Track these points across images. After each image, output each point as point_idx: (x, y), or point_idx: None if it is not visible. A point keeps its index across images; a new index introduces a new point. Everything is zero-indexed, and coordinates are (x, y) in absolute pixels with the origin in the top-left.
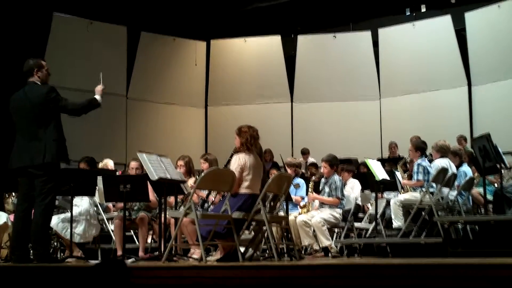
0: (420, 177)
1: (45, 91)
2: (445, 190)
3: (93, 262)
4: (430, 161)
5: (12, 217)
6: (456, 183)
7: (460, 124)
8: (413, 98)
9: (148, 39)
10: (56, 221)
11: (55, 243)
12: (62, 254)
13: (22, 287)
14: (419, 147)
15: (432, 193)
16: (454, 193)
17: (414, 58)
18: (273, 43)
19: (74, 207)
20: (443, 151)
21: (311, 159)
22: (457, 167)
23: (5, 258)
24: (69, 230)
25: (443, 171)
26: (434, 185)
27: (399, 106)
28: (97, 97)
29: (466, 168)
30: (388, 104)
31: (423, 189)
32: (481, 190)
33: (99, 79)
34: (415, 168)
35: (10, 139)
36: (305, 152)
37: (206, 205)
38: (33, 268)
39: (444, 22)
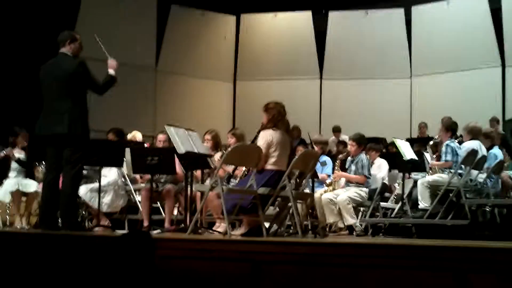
0: (449, 158)
1: (75, 64)
2: (474, 172)
3: (120, 231)
4: (461, 142)
5: (41, 185)
6: (485, 165)
7: (492, 105)
8: (445, 77)
9: (178, 12)
10: (84, 190)
11: (83, 212)
12: (90, 223)
13: (51, 254)
14: (450, 127)
15: (460, 174)
16: (483, 175)
17: (447, 37)
18: (303, 18)
19: (102, 178)
20: (474, 133)
21: (343, 137)
22: (488, 149)
23: (35, 226)
24: (97, 199)
25: (473, 153)
26: (463, 167)
27: (430, 85)
28: (111, 72)
29: (496, 151)
30: (419, 84)
31: (452, 171)
32: (511, 173)
33: (98, 42)
34: (443, 149)
35: (39, 107)
36: (336, 130)
37: (232, 180)
38: (61, 235)
39: (480, 1)
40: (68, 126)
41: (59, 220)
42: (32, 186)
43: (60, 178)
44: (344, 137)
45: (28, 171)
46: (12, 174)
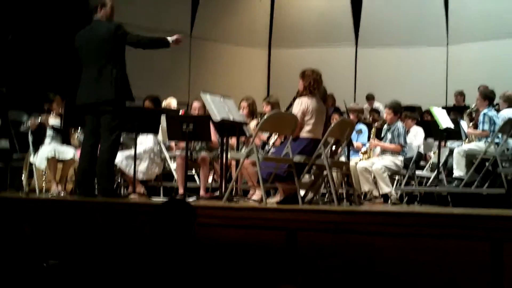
0: (486, 127)
1: (113, 27)
2: (511, 141)
3: (155, 199)
4: (498, 111)
5: (78, 152)
6: None
7: None
8: (482, 45)
9: None
10: (120, 158)
11: (119, 180)
12: (125, 190)
13: (87, 221)
14: (487, 96)
15: (497, 143)
16: None
17: (484, 5)
18: None
19: (138, 145)
20: (511, 101)
21: (376, 105)
22: None
23: (71, 192)
24: (132, 167)
25: (510, 122)
26: (500, 135)
27: (467, 53)
28: (170, 39)
29: None
30: (456, 51)
31: (488, 140)
32: None
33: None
34: (480, 117)
35: (75, 74)
36: (370, 98)
37: (267, 147)
38: (97, 202)
39: None
40: (109, 92)
41: (96, 187)
42: (69, 153)
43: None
44: (377, 104)
45: (64, 138)
46: (47, 140)
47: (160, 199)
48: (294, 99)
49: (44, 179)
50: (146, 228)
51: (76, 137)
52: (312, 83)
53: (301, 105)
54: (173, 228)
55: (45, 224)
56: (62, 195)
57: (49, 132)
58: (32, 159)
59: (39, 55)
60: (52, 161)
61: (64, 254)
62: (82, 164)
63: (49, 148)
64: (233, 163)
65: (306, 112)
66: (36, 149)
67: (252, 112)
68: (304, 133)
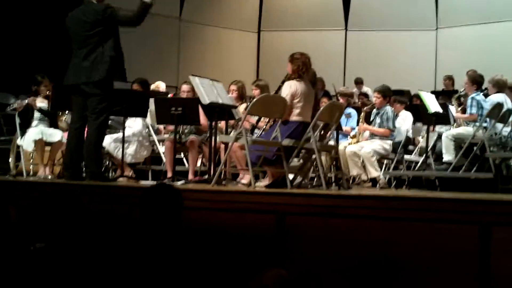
0: (474, 111)
1: (102, 7)
2: (499, 125)
3: (143, 182)
4: (486, 95)
5: (66, 135)
6: (511, 119)
7: None
8: (471, 29)
9: None
10: (108, 140)
11: (107, 162)
12: (113, 173)
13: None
14: (476, 80)
15: (485, 128)
16: (508, 129)
17: None
18: None
19: (127, 128)
20: (500, 86)
21: (365, 89)
22: None
23: (58, 175)
24: (121, 150)
25: (498, 106)
26: (488, 120)
27: (456, 37)
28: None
29: None
30: (445, 35)
31: (477, 124)
32: None
33: None
34: (468, 101)
35: (65, 58)
36: (358, 82)
37: (256, 131)
38: (85, 185)
39: None
40: (96, 73)
41: (83, 170)
42: (56, 135)
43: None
44: (366, 89)
45: (51, 121)
46: (34, 123)
47: (148, 182)
48: (283, 82)
49: (31, 161)
50: (134, 211)
51: (64, 119)
52: (301, 67)
53: (290, 88)
54: (160, 212)
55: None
56: (49, 178)
57: (36, 115)
58: (19, 141)
59: (27, 36)
60: (40, 144)
61: (51, 238)
62: (69, 147)
63: (36, 130)
64: (222, 146)
65: (295, 95)
66: (23, 132)
67: (241, 96)
68: (293, 116)
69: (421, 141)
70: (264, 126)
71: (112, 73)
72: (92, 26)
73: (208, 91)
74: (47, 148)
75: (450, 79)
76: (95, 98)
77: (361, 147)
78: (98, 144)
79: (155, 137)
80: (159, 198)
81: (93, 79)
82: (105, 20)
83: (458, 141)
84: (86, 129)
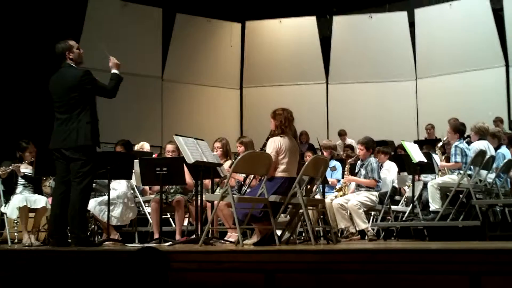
0: (458, 159)
1: (80, 74)
2: (483, 172)
3: (130, 245)
4: (469, 143)
5: (50, 200)
6: (494, 165)
7: (497, 105)
8: (450, 79)
9: (183, 21)
10: (93, 204)
11: (93, 226)
12: (99, 237)
13: (60, 271)
14: (458, 129)
15: (470, 175)
16: (492, 175)
17: (451, 39)
18: (308, 24)
19: (111, 190)
20: (482, 133)
21: (349, 141)
22: (496, 149)
23: (43, 242)
24: (106, 213)
25: (482, 153)
26: (472, 167)
27: (435, 87)
28: (115, 71)
29: (504, 150)
30: (425, 85)
31: (461, 172)
32: None
33: (103, 50)
34: (452, 150)
35: (50, 123)
36: (342, 134)
37: (243, 188)
38: (71, 252)
39: (482, 2)
40: (76, 138)
41: (69, 236)
42: (40, 201)
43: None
44: (350, 140)
45: (35, 186)
46: (19, 189)
47: (135, 245)
48: (267, 139)
49: (15, 229)
50: (121, 276)
51: (48, 184)
52: (284, 122)
53: (274, 144)
54: (146, 276)
55: (17, 275)
56: (35, 245)
57: (20, 181)
58: (3, 209)
59: (11, 102)
60: (24, 211)
61: None
62: (53, 213)
63: (20, 197)
64: (209, 205)
65: (280, 151)
66: (7, 199)
67: (226, 153)
68: (279, 172)
69: (407, 191)
70: (249, 183)
71: (93, 137)
72: (69, 91)
73: (193, 150)
74: (32, 215)
75: (432, 127)
76: (77, 163)
77: (347, 200)
78: (82, 209)
79: (140, 198)
80: (145, 261)
81: (74, 144)
82: (81, 86)
83: (443, 190)
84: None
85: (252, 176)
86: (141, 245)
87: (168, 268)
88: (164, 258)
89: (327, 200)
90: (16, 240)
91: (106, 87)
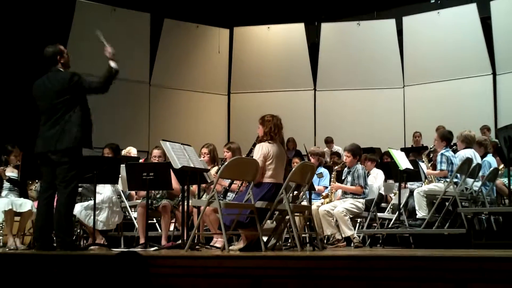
0: (444, 167)
1: (69, 76)
2: (469, 180)
3: (116, 250)
4: (455, 151)
5: (36, 204)
6: (480, 173)
7: (484, 113)
8: (437, 86)
9: (171, 26)
10: (79, 208)
11: (79, 231)
12: (85, 242)
13: (45, 275)
14: (445, 137)
15: (456, 183)
16: (478, 183)
17: (439, 46)
18: (296, 30)
19: (97, 195)
20: (468, 141)
21: (335, 148)
22: (482, 157)
23: (29, 245)
24: (92, 217)
25: (468, 161)
26: (458, 175)
27: (423, 94)
28: (112, 64)
29: (490, 159)
30: (412, 93)
31: (447, 180)
32: (505, 180)
33: (99, 37)
34: (438, 158)
35: (36, 127)
36: (328, 141)
37: (229, 194)
38: (56, 256)
39: (469, 10)
40: (64, 141)
41: (54, 240)
42: (26, 205)
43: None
44: (337, 147)
45: (21, 190)
46: (4, 193)
47: (120, 249)
48: (254, 145)
49: (1, 232)
50: (105, 280)
51: (33, 188)
52: (273, 128)
53: (262, 150)
54: (126, 280)
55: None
56: (20, 248)
57: (5, 185)
58: None
59: None
60: (9, 214)
61: None
62: (39, 217)
63: (6, 201)
64: (195, 210)
65: (267, 157)
66: None
67: (213, 159)
68: (266, 178)
69: (394, 198)
70: (238, 189)
71: (81, 141)
72: (58, 95)
73: (179, 155)
74: (17, 218)
75: (419, 135)
76: (64, 167)
77: (334, 207)
78: (68, 213)
79: (126, 203)
80: (124, 266)
81: (60, 147)
82: (72, 88)
83: (430, 197)
84: (55, 198)
85: (240, 182)
86: (127, 249)
87: (148, 273)
88: (143, 263)
89: (314, 207)
90: (1, 243)
91: (96, 82)
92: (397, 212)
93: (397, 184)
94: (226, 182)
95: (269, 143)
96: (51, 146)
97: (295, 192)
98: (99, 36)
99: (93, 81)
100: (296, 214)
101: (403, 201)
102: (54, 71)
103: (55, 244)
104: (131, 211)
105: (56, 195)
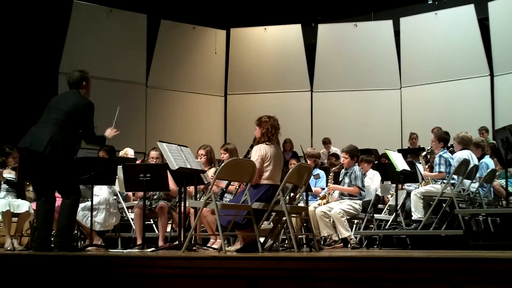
0: (442, 168)
1: (86, 102)
2: (467, 182)
3: (113, 251)
4: (452, 152)
5: (33, 205)
6: (477, 175)
7: (481, 114)
8: (435, 87)
9: (168, 27)
10: None
11: (76, 232)
12: (82, 243)
13: (42, 276)
14: (442, 138)
15: (453, 185)
16: (475, 185)
17: (436, 47)
18: (293, 31)
19: (94, 196)
20: (465, 142)
21: (333, 149)
22: (479, 159)
23: (26, 246)
24: (89, 218)
25: (465, 163)
26: (455, 177)
27: (420, 95)
28: (106, 136)
29: (488, 160)
30: (409, 94)
31: (444, 181)
32: (503, 182)
33: (115, 115)
34: (436, 159)
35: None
36: (326, 142)
37: (226, 195)
38: (53, 257)
39: (467, 11)
40: (45, 144)
41: (51, 240)
42: (23, 206)
43: (55, 199)
44: (334, 149)
45: (18, 191)
46: (1, 194)
47: (118, 250)
48: (252, 146)
49: None
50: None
51: (31, 190)
52: (270, 129)
53: (260, 151)
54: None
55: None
56: (17, 249)
57: (3, 186)
58: None
59: None
60: (7, 215)
61: None
62: (37, 217)
63: (4, 202)
64: (192, 211)
65: (264, 159)
66: None
67: (210, 160)
68: (263, 179)
69: (390, 200)
70: (236, 190)
71: (50, 153)
72: (66, 112)
73: (176, 156)
74: (15, 219)
75: (416, 137)
76: (61, 178)
77: (331, 208)
78: (70, 223)
79: (123, 204)
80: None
81: (38, 148)
82: (80, 114)
83: (427, 199)
84: (52, 201)
85: (238, 183)
86: (125, 250)
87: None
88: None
89: (310, 208)
90: None
91: (90, 134)
92: (394, 214)
93: (394, 185)
94: (223, 183)
95: (267, 144)
96: (27, 143)
97: (292, 194)
98: (116, 113)
99: (90, 131)
100: (293, 215)
101: (400, 202)
102: (75, 91)
103: (52, 245)
104: (128, 212)
105: (53, 198)
